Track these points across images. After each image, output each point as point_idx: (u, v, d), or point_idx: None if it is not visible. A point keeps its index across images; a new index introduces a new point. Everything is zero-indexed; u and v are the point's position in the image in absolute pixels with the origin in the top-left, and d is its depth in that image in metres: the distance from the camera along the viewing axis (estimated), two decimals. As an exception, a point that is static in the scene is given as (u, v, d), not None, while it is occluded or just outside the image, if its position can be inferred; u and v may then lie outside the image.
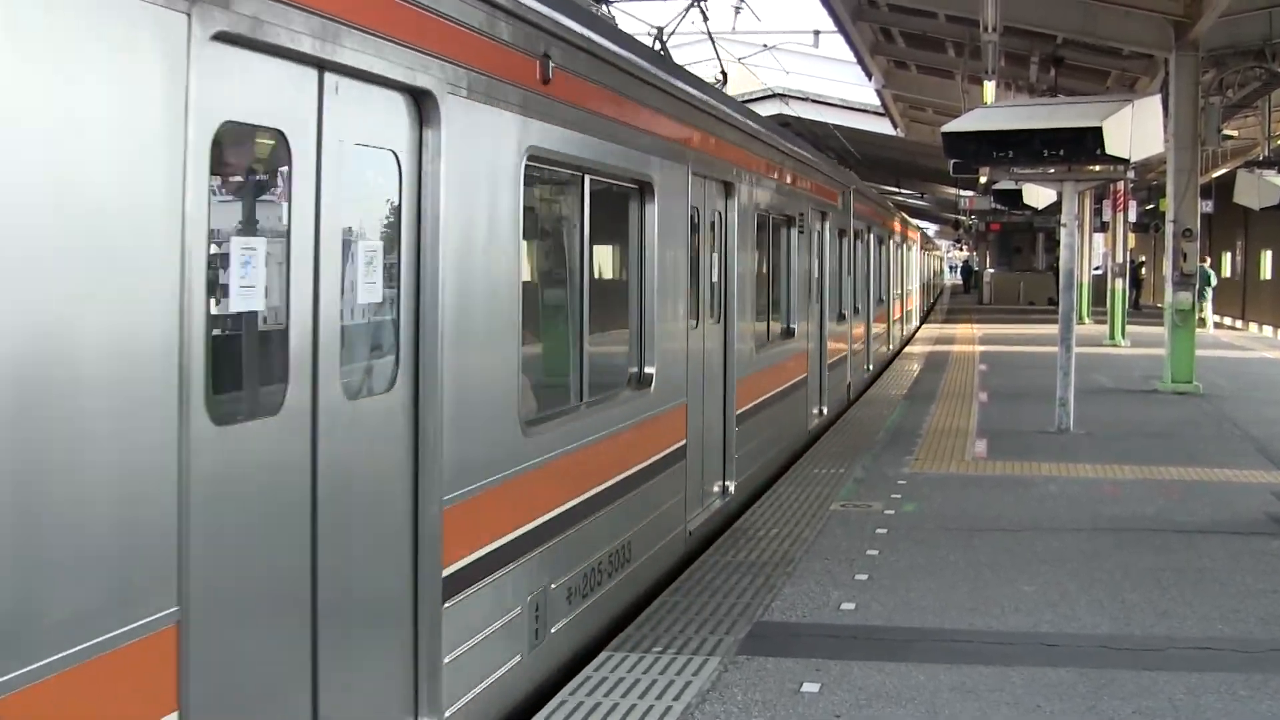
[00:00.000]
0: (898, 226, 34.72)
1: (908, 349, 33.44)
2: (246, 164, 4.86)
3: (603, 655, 7.63)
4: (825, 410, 18.26)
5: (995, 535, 10.99)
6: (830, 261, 19.00)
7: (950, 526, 11.36)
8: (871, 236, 25.23)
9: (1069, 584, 9.38)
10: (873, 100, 43.08)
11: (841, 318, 20.59)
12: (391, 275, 5.60)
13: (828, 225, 18.78)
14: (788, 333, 15.43)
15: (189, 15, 4.00)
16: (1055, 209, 27.02)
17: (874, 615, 8.63)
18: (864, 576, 9.55)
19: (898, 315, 33.52)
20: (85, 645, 3.67)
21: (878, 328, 26.68)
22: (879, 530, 11.13)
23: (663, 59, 10.68)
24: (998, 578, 9.56)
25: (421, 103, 5.71)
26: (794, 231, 15.82)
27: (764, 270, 14.13)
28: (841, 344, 20.30)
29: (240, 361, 4.84)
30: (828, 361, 18.44)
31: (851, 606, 8.80)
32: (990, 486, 13.38)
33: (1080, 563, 10.01)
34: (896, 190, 68.04)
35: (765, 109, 40.76)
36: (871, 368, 24.97)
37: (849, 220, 21.34)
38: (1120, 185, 34.01)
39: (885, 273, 29.24)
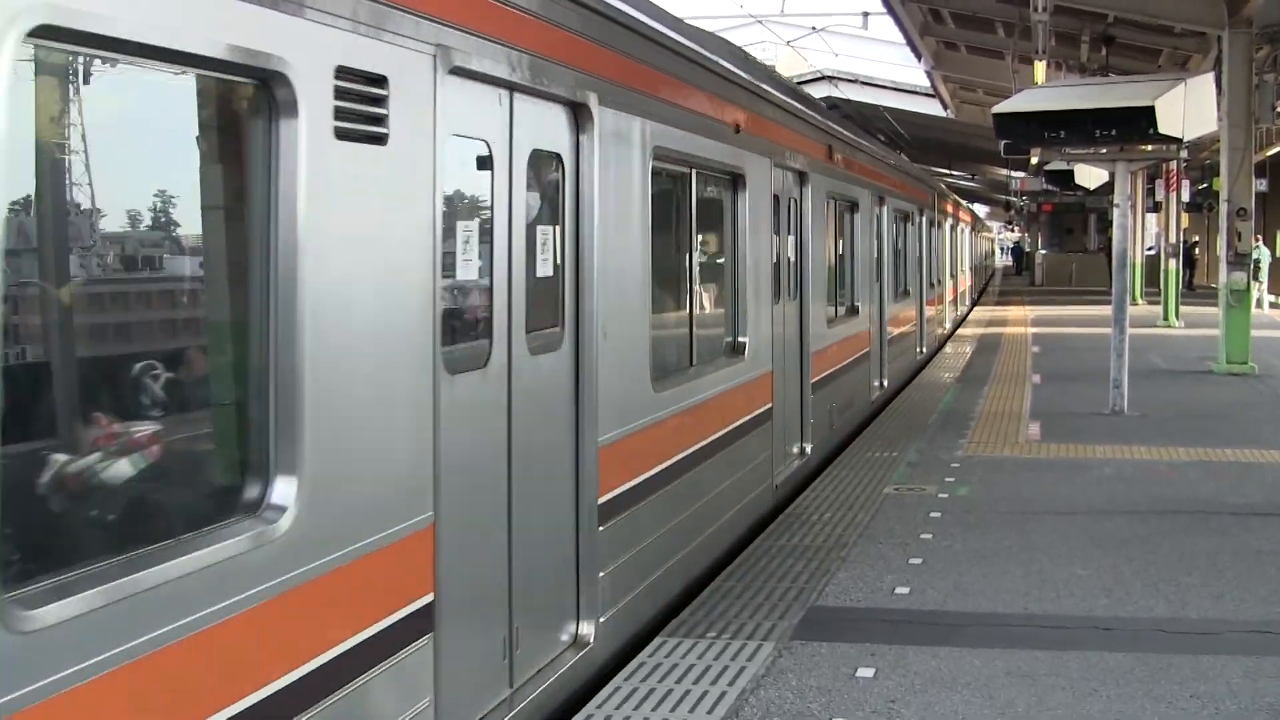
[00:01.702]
0: (949, 208, 34.56)
1: (960, 331, 33.32)
2: (466, 168, 5.99)
3: (657, 640, 7.67)
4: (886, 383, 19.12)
5: (1049, 518, 10.95)
6: (888, 244, 19.76)
7: (1004, 510, 11.33)
8: (922, 219, 25.23)
9: (1124, 567, 9.35)
10: (922, 82, 42.87)
11: (906, 294, 21.65)
12: (558, 255, 6.88)
13: (885, 209, 19.51)
14: (852, 310, 16.51)
15: (434, 57, 5.25)
16: (1107, 189, 26.85)
17: (928, 599, 8.63)
18: (918, 560, 9.55)
19: (951, 297, 33.44)
20: (384, 534, 4.93)
21: (930, 310, 26.70)
22: (933, 514, 11.12)
23: (753, 63, 12.41)
24: (1052, 561, 9.53)
25: (578, 112, 6.92)
26: (857, 216, 16.87)
27: (835, 252, 15.70)
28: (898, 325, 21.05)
29: (461, 326, 6.05)
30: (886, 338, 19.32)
31: (906, 590, 8.80)
32: (1044, 469, 13.33)
33: (1135, 546, 9.97)
34: (948, 172, 67.65)
35: (815, 91, 40.59)
36: (925, 350, 25.11)
37: (903, 204, 21.76)
38: (1173, 165, 33.69)
39: (937, 255, 29.23)
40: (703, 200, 9.73)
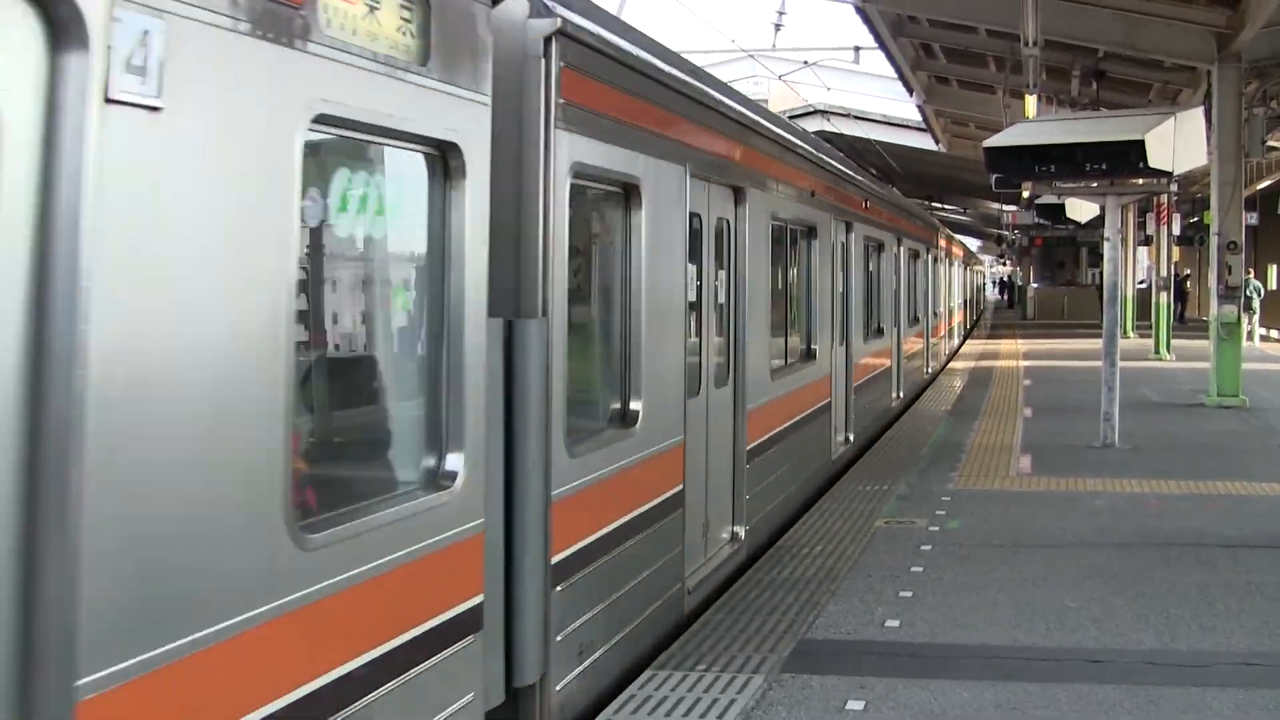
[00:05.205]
0: (943, 242, 34.47)
1: (951, 365, 33.30)
2: (700, 236, 9.52)
3: (647, 673, 7.65)
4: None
5: (1040, 551, 10.95)
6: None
7: (995, 542, 11.33)
8: (910, 251, 24.18)
9: (1114, 600, 9.34)
10: (914, 116, 43.04)
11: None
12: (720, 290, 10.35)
13: (902, 248, 21.80)
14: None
15: (685, 166, 8.68)
16: (1098, 223, 26.86)
17: (919, 632, 8.62)
18: (908, 593, 9.54)
19: (938, 334, 31.94)
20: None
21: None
22: (923, 547, 11.11)
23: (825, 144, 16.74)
24: (1042, 594, 9.53)
25: (737, 193, 10.39)
26: (883, 255, 19.47)
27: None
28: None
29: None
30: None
31: (896, 623, 8.79)
32: (1035, 502, 13.33)
33: (1126, 578, 9.97)
34: (939, 206, 67.83)
35: (807, 125, 40.75)
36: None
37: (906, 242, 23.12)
38: (1164, 198, 33.83)
39: (923, 288, 27.53)
40: (794, 247, 14.58)
